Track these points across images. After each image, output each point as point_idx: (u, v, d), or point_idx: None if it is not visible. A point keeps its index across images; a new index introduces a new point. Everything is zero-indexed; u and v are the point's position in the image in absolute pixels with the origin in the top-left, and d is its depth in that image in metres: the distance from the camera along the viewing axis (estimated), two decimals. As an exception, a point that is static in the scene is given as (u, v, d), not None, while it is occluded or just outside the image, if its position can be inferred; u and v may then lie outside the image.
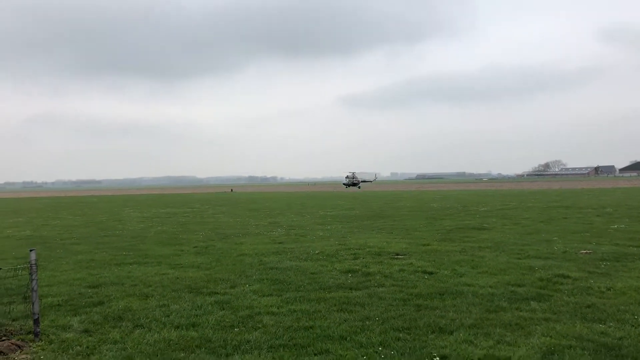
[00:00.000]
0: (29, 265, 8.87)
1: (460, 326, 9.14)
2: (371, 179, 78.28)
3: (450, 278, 13.31)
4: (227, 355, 7.95)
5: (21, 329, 9.19)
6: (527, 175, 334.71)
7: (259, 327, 9.30)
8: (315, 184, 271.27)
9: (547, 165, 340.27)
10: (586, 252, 16.96)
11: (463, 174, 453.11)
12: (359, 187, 67.04)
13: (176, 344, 8.49)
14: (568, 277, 13.04)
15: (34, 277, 8.81)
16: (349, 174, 79.75)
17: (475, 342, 8.33)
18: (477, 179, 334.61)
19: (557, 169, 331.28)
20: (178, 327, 9.44)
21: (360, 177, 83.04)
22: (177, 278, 14.06)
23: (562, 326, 9.03)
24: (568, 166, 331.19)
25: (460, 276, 13.54)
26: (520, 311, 10.05)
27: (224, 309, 10.62)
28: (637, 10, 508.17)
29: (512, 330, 8.92)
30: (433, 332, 8.88)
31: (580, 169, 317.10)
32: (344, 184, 76.65)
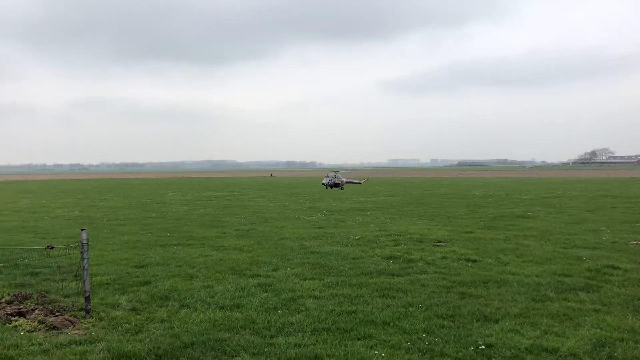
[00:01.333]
0: (80, 245, 9.14)
1: (506, 315, 8.99)
2: (360, 181, 74.05)
3: (495, 266, 13.09)
4: (271, 337, 8.03)
5: (73, 306, 9.51)
6: (572, 163, 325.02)
7: (302, 310, 9.36)
8: (353, 170, 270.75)
9: (593, 153, 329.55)
10: (637, 243, 16.40)
11: (505, 161, 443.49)
12: (342, 189, 65.08)
13: (221, 324, 8.63)
14: (618, 268, 12.64)
15: (84, 256, 9.07)
16: (330, 174, 77.01)
17: (521, 331, 8.18)
18: (519, 166, 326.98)
19: (604, 157, 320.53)
20: (222, 307, 9.59)
21: (344, 178, 78.85)
22: (221, 260, 14.28)
23: (613, 318, 8.77)
24: (616, 154, 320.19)
25: (505, 265, 13.31)
26: (568, 302, 9.81)
27: (266, 291, 10.73)
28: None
29: (560, 320, 8.72)
30: (478, 320, 8.76)
31: (629, 157, 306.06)
32: (323, 183, 73.17)
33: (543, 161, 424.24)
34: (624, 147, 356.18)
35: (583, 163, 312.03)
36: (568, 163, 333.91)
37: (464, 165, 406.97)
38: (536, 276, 11.90)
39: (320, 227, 21.66)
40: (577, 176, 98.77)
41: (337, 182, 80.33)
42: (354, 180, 78.39)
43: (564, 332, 8.12)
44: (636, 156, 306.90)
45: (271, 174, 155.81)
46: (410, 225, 22.09)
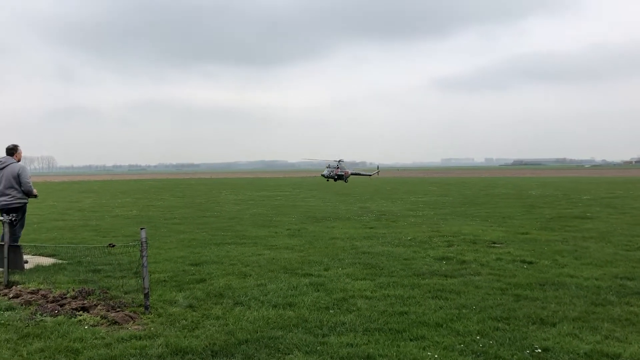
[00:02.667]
0: (139, 243, 9.49)
1: (564, 318, 8.74)
2: (369, 173, 65.05)
3: (551, 268, 12.73)
4: (323, 336, 8.10)
5: (133, 302, 9.88)
6: (635, 161, 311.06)
7: (354, 310, 9.39)
8: (405, 169, 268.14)
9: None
10: None
11: (563, 160, 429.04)
12: (346, 181, 59.06)
13: (274, 322, 8.77)
14: (685, 272, 12.05)
15: (144, 254, 9.41)
16: (332, 163, 66.76)
17: (580, 335, 7.94)
18: (578, 165, 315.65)
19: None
20: (275, 306, 9.74)
21: (349, 169, 68.33)
22: (273, 259, 14.49)
23: (679, 324, 8.38)
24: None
25: (562, 267, 12.92)
26: (631, 306, 9.44)
27: (318, 291, 10.82)
28: None
29: (622, 325, 8.41)
30: (534, 323, 8.56)
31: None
32: (323, 175, 64.87)
33: (603, 160, 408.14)
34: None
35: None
36: (631, 162, 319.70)
37: (519, 164, 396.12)
38: (596, 279, 11.50)
39: (371, 228, 21.62)
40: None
41: (340, 173, 71.96)
42: (362, 173, 71.25)
43: (626, 338, 7.83)
44: None
45: (322, 174, 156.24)
46: (463, 225, 21.74)
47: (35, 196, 14.45)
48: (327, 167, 71.44)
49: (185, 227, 22.63)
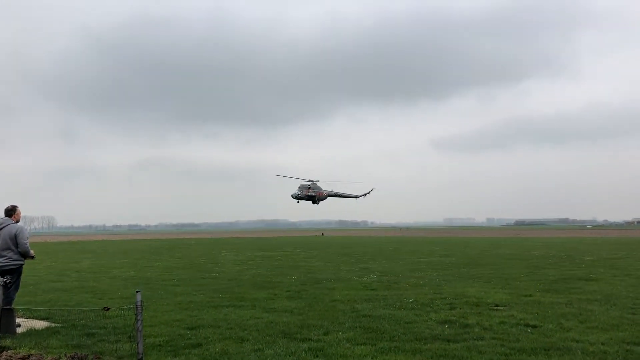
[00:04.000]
0: (135, 306, 9.32)
1: (571, 387, 8.43)
2: (357, 194, 55.80)
3: (556, 332, 12.43)
4: (321, 405, 7.80)
5: (126, 368, 9.59)
6: (637, 222, 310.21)
7: (353, 377, 9.09)
8: (407, 229, 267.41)
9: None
10: None
11: (566, 220, 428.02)
12: (317, 203, 54.79)
13: (271, 390, 8.47)
14: (694, 336, 11.74)
15: (139, 317, 9.23)
16: (304, 183, 60.21)
17: (588, 406, 7.63)
18: (580, 225, 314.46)
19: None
20: (272, 373, 9.44)
21: (325, 190, 60.68)
22: (271, 322, 14.18)
23: (691, 393, 8.08)
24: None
25: (567, 331, 12.61)
26: (640, 373, 9.14)
27: (317, 356, 10.52)
28: None
29: (631, 394, 8.10)
30: (540, 392, 8.25)
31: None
32: (293, 195, 58.83)
33: (605, 220, 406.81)
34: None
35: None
36: (633, 222, 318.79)
37: (521, 224, 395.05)
38: (602, 344, 11.20)
39: (372, 289, 21.29)
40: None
41: (311, 193, 65.30)
42: (346, 194, 62.54)
43: (636, 408, 7.52)
44: None
45: (322, 233, 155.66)
46: (466, 287, 21.41)
47: (32, 257, 14.32)
48: (298, 187, 66.30)
49: (183, 289, 22.30)
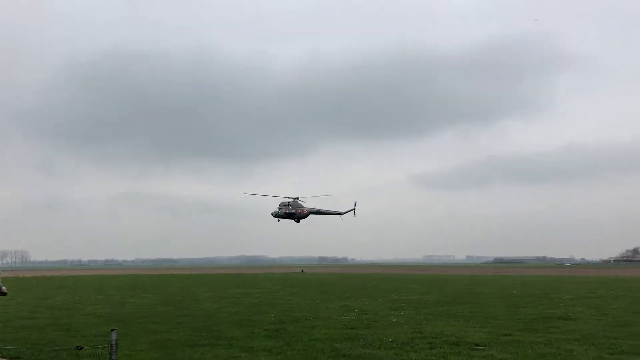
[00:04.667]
0: (109, 345, 9.12)
1: None
2: (340, 211, 52.44)
3: (536, 373, 12.39)
4: None
5: (98, 410, 9.32)
6: (613, 261, 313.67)
7: (332, 420, 8.93)
8: (387, 265, 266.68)
9: (636, 251, 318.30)
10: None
11: (544, 259, 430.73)
12: (297, 221, 52.89)
13: None
14: (671, 377, 11.81)
15: (113, 357, 9.02)
16: (284, 200, 57.72)
17: None
18: (558, 264, 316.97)
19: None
20: (249, 415, 9.23)
21: (307, 207, 57.08)
22: (249, 362, 13.93)
23: None
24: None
25: (547, 372, 12.59)
26: (618, 415, 9.13)
27: (295, 398, 10.33)
28: None
29: None
30: None
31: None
32: (272, 214, 56.74)
33: (582, 259, 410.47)
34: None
35: (625, 261, 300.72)
36: (609, 261, 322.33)
37: (500, 262, 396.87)
38: (581, 385, 11.18)
39: (352, 328, 21.09)
40: (619, 274, 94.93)
41: (290, 211, 60.96)
42: (329, 211, 59.26)
43: None
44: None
45: (302, 270, 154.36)
46: (446, 326, 21.33)
47: (4, 294, 13.97)
48: (278, 205, 63.97)
49: (160, 327, 21.84)
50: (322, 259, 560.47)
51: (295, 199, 61.82)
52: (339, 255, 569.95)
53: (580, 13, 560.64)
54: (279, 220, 62.95)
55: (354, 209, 58.97)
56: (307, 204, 60.92)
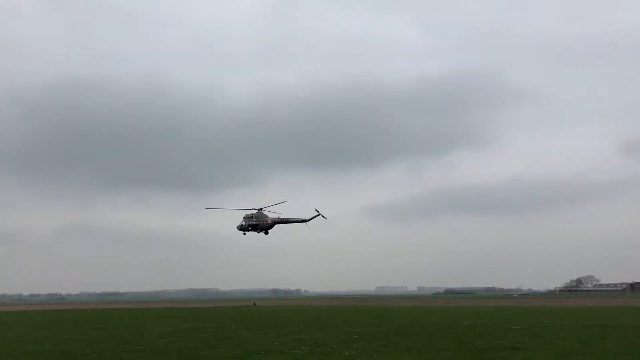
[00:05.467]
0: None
1: None
2: (306, 218, 52.74)
3: (486, 404, 12.52)
4: None
5: None
6: (559, 291, 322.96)
7: None
8: (340, 297, 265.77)
9: (579, 281, 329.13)
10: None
11: (493, 289, 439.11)
12: (264, 232, 53.08)
13: None
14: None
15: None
16: (248, 212, 58.03)
17: None
18: (507, 294, 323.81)
19: (590, 285, 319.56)
20: None
21: (271, 217, 57.27)
22: (199, 399, 13.52)
23: None
24: (602, 282, 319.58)
25: (497, 402, 12.74)
26: None
27: None
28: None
29: None
30: None
31: (615, 285, 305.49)
32: (237, 227, 56.99)
33: (530, 289, 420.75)
34: (609, 275, 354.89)
35: (570, 291, 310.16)
36: (555, 291, 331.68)
37: (451, 292, 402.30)
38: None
39: (304, 362, 20.82)
40: (564, 304, 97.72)
41: (254, 222, 60.23)
42: (293, 219, 58.52)
43: None
44: (621, 284, 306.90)
45: (254, 303, 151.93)
46: (398, 358, 21.35)
47: None
48: (243, 218, 62.98)
49: (105, 364, 20.96)
50: (274, 291, 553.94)
51: (260, 210, 60.91)
52: (292, 287, 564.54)
53: (525, 51, 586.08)
54: (244, 234, 61.89)
55: (318, 215, 58.28)
56: (271, 214, 60.03)
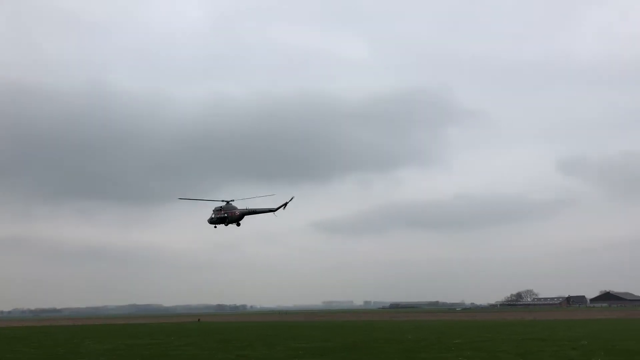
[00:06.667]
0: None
1: None
2: (273, 208, 52.65)
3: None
4: None
5: None
6: (499, 305, 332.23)
7: None
8: (287, 313, 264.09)
9: (519, 295, 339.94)
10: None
11: (436, 303, 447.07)
12: (233, 224, 52.67)
13: None
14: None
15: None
16: (217, 205, 58.24)
17: None
18: (450, 308, 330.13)
19: (529, 299, 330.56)
20: None
21: (239, 208, 57.29)
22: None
23: None
24: (540, 296, 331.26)
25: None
26: None
27: None
28: (588, 144, 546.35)
29: None
30: None
31: (552, 299, 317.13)
32: (208, 220, 56.79)
33: (472, 303, 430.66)
34: (547, 289, 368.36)
35: (510, 305, 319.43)
36: (496, 305, 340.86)
37: (396, 307, 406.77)
38: None
39: (249, 379, 20.47)
40: (505, 318, 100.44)
41: (222, 215, 59.13)
42: (262, 209, 57.29)
43: None
44: (558, 298, 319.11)
45: (199, 319, 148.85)
46: (343, 374, 21.30)
47: None
48: (212, 210, 62.05)
49: (38, 385, 19.94)
50: (220, 306, 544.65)
51: (230, 202, 59.82)
52: (238, 303, 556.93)
53: (472, 71, 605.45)
54: (215, 227, 60.67)
55: (287, 203, 57.49)
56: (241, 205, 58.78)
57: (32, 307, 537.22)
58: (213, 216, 61.73)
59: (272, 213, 58.27)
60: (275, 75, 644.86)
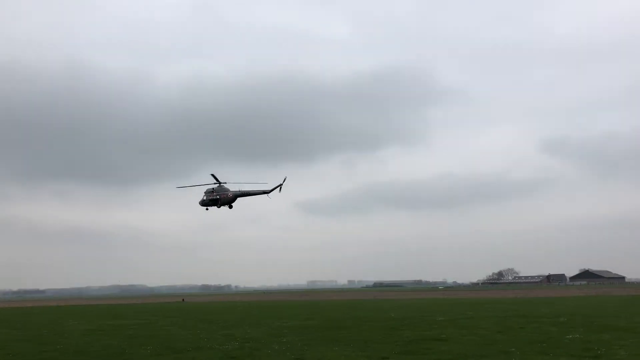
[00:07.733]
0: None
1: None
2: (267, 189, 51.67)
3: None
4: None
5: None
6: (481, 283, 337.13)
7: None
8: (271, 292, 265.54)
9: (500, 274, 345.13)
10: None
11: (420, 282, 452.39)
12: (221, 206, 52.35)
13: None
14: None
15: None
16: (209, 187, 58.54)
17: None
18: (433, 287, 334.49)
19: (510, 278, 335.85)
20: None
21: (232, 191, 56.04)
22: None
23: None
24: (521, 274, 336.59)
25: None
26: None
27: None
28: (569, 124, 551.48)
29: None
30: None
31: (533, 277, 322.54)
32: (199, 203, 56.39)
33: (454, 281, 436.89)
34: (528, 267, 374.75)
35: (491, 283, 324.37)
36: (478, 283, 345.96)
37: (380, 286, 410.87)
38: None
39: (233, 357, 20.63)
40: (486, 296, 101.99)
41: (214, 197, 58.39)
42: (255, 191, 55.89)
43: None
44: (538, 276, 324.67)
45: (183, 299, 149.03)
46: (327, 351, 21.53)
47: None
48: (204, 193, 61.17)
49: (20, 365, 19.87)
50: (204, 287, 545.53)
51: (222, 184, 58.67)
52: (222, 283, 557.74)
53: (453, 50, 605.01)
54: (207, 209, 59.67)
55: (281, 185, 56.25)
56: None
57: (15, 289, 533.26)
58: (205, 198, 60.57)
59: (265, 195, 57.09)
60: (256, 54, 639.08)
